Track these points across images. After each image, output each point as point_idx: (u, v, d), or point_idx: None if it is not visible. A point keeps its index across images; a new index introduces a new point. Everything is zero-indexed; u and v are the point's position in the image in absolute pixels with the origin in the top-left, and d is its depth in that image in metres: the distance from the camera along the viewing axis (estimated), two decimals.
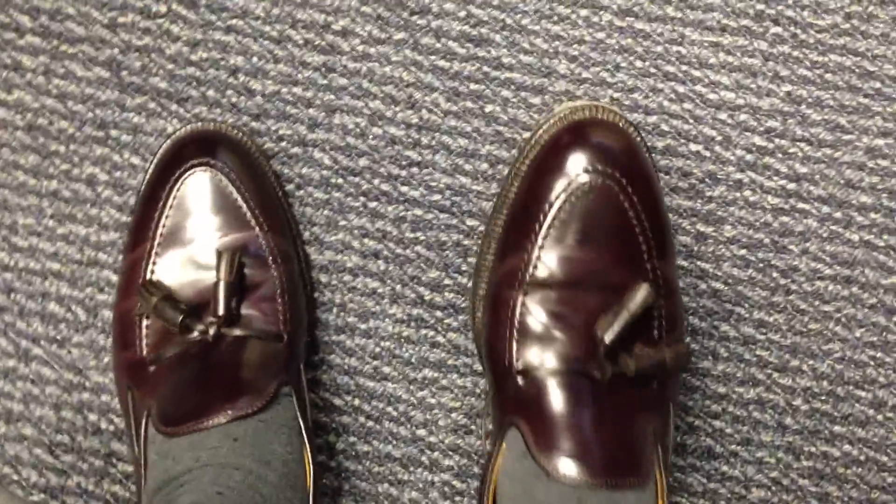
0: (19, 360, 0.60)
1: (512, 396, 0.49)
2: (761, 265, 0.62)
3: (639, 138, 0.52)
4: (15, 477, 0.58)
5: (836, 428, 0.61)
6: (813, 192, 0.62)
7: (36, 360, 0.60)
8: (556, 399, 0.47)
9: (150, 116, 0.61)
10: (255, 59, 0.62)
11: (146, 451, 0.50)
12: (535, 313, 0.49)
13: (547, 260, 0.50)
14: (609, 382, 0.48)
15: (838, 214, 0.62)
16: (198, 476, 0.47)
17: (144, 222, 0.55)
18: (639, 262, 0.50)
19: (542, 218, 0.50)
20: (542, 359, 0.49)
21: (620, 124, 0.51)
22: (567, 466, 0.46)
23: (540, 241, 0.50)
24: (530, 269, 0.50)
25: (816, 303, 0.62)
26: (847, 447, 0.61)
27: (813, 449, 0.61)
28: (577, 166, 0.49)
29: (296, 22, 0.62)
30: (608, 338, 0.48)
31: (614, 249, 0.50)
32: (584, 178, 0.49)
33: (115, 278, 0.60)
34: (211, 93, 0.61)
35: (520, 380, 0.49)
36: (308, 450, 0.51)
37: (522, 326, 0.50)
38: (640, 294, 0.48)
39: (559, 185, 0.50)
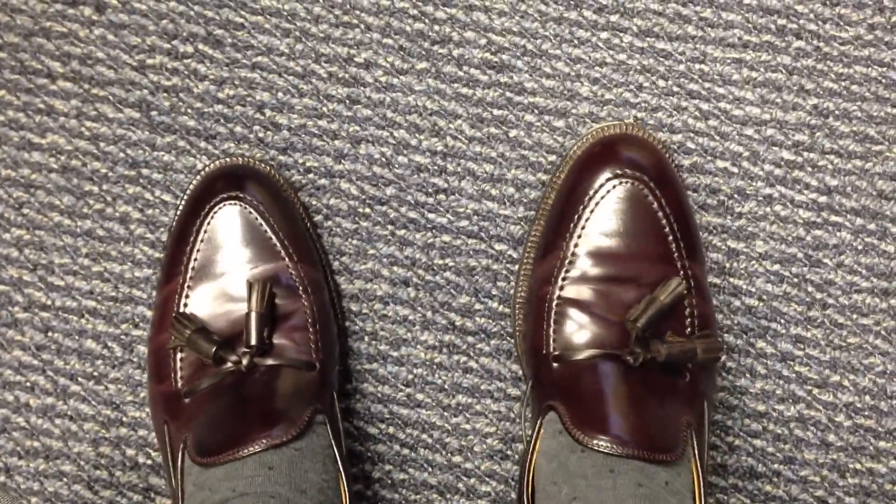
0: (57, 397, 0.60)
1: (549, 382, 0.51)
2: (796, 280, 0.61)
3: (666, 153, 0.55)
4: None
5: (881, 444, 0.59)
6: (845, 205, 0.62)
7: (74, 397, 0.60)
8: (591, 379, 0.50)
9: (180, 154, 0.62)
10: (280, 94, 0.63)
11: (183, 484, 0.51)
12: (571, 305, 0.52)
13: (582, 256, 0.53)
14: (641, 369, 0.50)
15: (872, 226, 0.61)
16: None
17: (176, 257, 0.56)
18: (670, 261, 0.53)
19: (576, 218, 0.53)
20: (577, 344, 0.51)
21: (648, 139, 0.55)
22: (600, 437, 0.47)
23: (575, 239, 0.53)
24: (566, 265, 0.53)
25: (855, 316, 0.61)
26: (893, 463, 0.59)
27: (858, 466, 0.59)
28: (608, 171, 0.53)
29: (319, 56, 0.63)
30: (639, 323, 0.50)
31: (646, 247, 0.53)
32: (615, 181, 0.53)
33: (149, 314, 0.60)
34: (238, 129, 0.63)
35: (556, 365, 0.51)
36: (343, 477, 0.51)
37: (559, 317, 0.52)
38: (671, 284, 0.51)
39: (591, 189, 0.53)
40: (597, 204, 0.53)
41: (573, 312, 0.52)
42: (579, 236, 0.53)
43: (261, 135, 0.62)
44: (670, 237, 0.53)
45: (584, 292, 0.53)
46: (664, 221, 0.53)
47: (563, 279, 0.53)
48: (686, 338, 0.52)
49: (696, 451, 0.49)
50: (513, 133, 0.62)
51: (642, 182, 0.53)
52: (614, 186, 0.53)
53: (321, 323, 0.55)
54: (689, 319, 0.53)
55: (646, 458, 0.47)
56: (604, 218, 0.53)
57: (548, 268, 0.54)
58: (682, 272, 0.53)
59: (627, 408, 0.49)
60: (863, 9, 0.63)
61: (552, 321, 0.53)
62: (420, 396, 0.60)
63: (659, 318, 0.51)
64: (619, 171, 0.53)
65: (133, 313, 0.61)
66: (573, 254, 0.53)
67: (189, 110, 0.63)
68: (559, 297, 0.53)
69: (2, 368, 0.60)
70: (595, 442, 0.47)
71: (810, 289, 0.61)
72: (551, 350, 0.52)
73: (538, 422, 0.51)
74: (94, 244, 0.62)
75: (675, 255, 0.53)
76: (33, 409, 0.60)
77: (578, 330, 0.52)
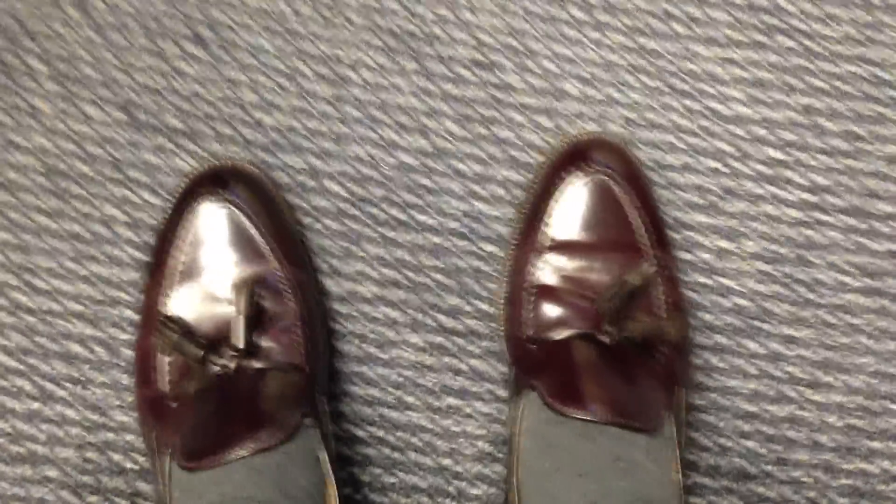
0: (43, 401, 0.60)
1: (527, 364, 0.53)
2: (786, 280, 0.61)
3: (635, 159, 0.58)
4: None
5: (873, 444, 0.59)
6: (834, 204, 0.62)
7: (59, 402, 0.60)
8: (567, 357, 0.51)
9: (166, 156, 0.62)
10: (266, 94, 0.62)
11: (170, 489, 0.50)
12: (546, 290, 0.55)
13: (554, 245, 0.55)
14: (616, 349, 0.52)
15: (862, 225, 0.61)
16: None
17: (161, 259, 0.55)
18: (639, 248, 0.55)
19: (547, 210, 0.56)
20: (552, 326, 0.54)
21: (616, 142, 0.58)
22: (576, 406, 0.49)
23: (547, 230, 0.56)
24: (539, 254, 0.55)
25: (845, 316, 0.61)
26: (885, 463, 0.59)
27: (850, 466, 0.59)
28: (577, 167, 0.56)
29: (305, 55, 0.63)
30: (610, 303, 0.52)
31: (615, 235, 0.55)
32: (583, 176, 0.56)
33: (135, 317, 0.60)
34: (224, 129, 0.62)
35: (533, 347, 0.54)
36: (332, 481, 0.51)
37: (535, 303, 0.55)
38: (640, 267, 0.54)
39: (561, 183, 0.56)
40: (566, 197, 0.56)
41: (548, 297, 0.54)
42: (551, 227, 0.56)
43: (247, 135, 0.62)
44: (639, 227, 0.56)
45: (557, 279, 0.55)
46: (632, 212, 0.56)
47: (537, 267, 0.55)
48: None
49: (675, 430, 0.50)
50: (501, 133, 0.62)
51: (609, 176, 0.56)
52: (581, 178, 0.56)
53: (308, 325, 0.55)
54: (661, 308, 0.55)
55: (622, 424, 0.48)
56: (574, 209, 0.56)
57: (523, 258, 0.56)
58: (652, 259, 0.55)
59: (603, 380, 0.50)
60: (850, 7, 0.63)
61: (528, 307, 0.55)
62: (409, 399, 0.60)
63: (631, 303, 0.53)
64: (587, 168, 0.56)
65: (119, 316, 0.60)
66: (546, 245, 0.55)
67: (175, 111, 0.62)
68: (534, 285, 0.55)
69: None
70: (572, 411, 0.48)
71: (800, 288, 0.61)
72: (529, 333, 0.54)
73: (520, 402, 0.52)
74: (78, 247, 0.61)
75: (646, 242, 0.56)
76: (18, 414, 0.59)
77: (553, 313, 0.54)
